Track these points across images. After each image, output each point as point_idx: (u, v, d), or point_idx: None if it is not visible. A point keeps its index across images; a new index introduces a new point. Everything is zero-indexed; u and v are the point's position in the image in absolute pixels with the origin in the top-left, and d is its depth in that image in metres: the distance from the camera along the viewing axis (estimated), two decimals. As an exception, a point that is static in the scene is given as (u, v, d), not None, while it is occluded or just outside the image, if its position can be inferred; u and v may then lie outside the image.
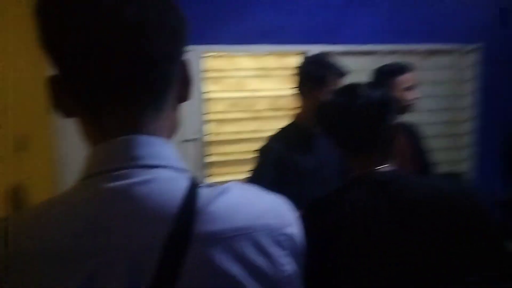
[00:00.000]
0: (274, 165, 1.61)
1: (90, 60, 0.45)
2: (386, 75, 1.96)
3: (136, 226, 0.43)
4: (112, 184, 0.44)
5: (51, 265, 0.42)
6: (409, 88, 1.93)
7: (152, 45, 0.46)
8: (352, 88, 1.00)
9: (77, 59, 0.45)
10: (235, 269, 0.44)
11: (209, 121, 2.38)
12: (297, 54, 2.52)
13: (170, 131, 0.53)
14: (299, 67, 1.76)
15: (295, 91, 1.76)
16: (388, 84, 1.93)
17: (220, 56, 2.38)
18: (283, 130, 1.78)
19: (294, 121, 1.79)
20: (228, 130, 2.44)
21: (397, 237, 0.89)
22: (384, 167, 0.96)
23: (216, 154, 2.41)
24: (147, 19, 0.46)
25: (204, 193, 0.46)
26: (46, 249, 0.42)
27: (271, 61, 2.51)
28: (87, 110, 0.48)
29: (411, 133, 2.12)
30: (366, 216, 0.92)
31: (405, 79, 1.93)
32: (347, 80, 1.75)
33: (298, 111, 1.78)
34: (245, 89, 2.44)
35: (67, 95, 0.48)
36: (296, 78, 1.74)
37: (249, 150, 2.31)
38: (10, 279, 0.42)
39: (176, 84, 0.52)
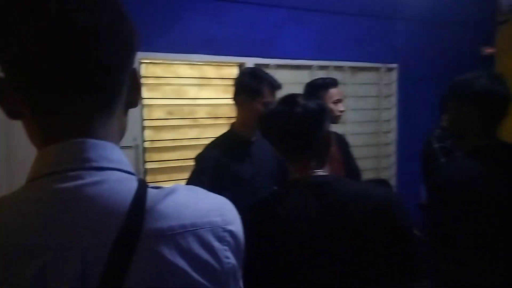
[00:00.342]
0: (212, 172, 1.65)
1: (39, 67, 0.45)
2: (317, 88, 2.13)
3: (87, 224, 0.44)
4: (64, 185, 0.45)
5: (3, 260, 0.42)
6: (337, 101, 2.11)
7: (104, 52, 0.47)
8: (292, 98, 1.07)
9: (26, 65, 0.46)
10: (182, 262, 0.46)
11: (147, 127, 2.37)
12: (235, 65, 2.62)
13: (119, 135, 0.55)
14: (236, 78, 1.84)
15: (232, 101, 1.84)
16: (319, 97, 2.10)
17: (159, 63, 2.40)
18: (221, 138, 1.83)
19: (231, 129, 1.85)
20: (167, 137, 2.44)
21: (326, 235, 0.97)
22: (318, 172, 1.05)
23: (154, 161, 2.40)
24: (100, 26, 0.47)
25: (152, 194, 0.48)
26: None
27: (210, 71, 2.57)
28: (37, 112, 0.48)
29: (340, 142, 2.30)
30: (299, 216, 0.99)
31: (334, 92, 2.11)
32: (281, 92, 1.88)
33: (235, 120, 1.86)
34: (184, 97, 2.47)
35: (15, 96, 0.48)
36: (233, 89, 1.82)
37: (187, 157, 2.34)
38: None
39: (126, 90, 0.54)
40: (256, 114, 1.68)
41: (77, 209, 0.45)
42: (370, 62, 3.10)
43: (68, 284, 0.42)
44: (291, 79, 2.75)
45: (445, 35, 3.39)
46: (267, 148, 1.90)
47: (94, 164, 0.47)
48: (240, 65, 2.61)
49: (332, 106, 2.10)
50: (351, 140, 2.96)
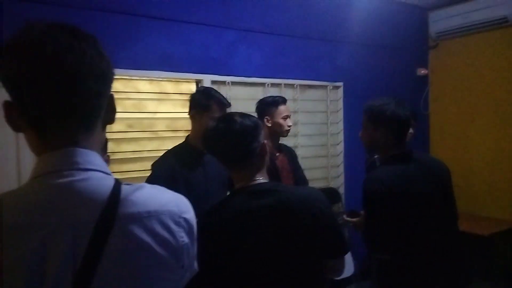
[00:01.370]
0: (166, 178, 1.77)
1: (38, 95, 0.59)
2: (268, 105, 2.34)
3: (77, 208, 0.59)
4: (59, 180, 0.60)
5: (8, 235, 0.55)
6: (286, 117, 2.33)
7: (86, 85, 0.62)
8: (229, 116, 1.24)
9: (28, 94, 0.60)
10: (148, 239, 0.61)
11: (109, 140, 2.45)
12: (193, 81, 2.78)
13: (99, 145, 0.69)
14: (191, 95, 2.00)
15: (188, 115, 1.99)
16: (269, 113, 2.32)
17: (119, 79, 2.51)
18: (176, 148, 1.99)
19: (186, 141, 2.01)
20: (127, 149, 2.53)
21: (268, 232, 1.14)
22: (259, 180, 1.22)
23: (115, 172, 2.48)
24: (83, 65, 0.61)
25: (125, 188, 0.64)
26: (6, 223, 0.56)
27: (168, 86, 2.71)
28: (35, 129, 0.62)
29: (289, 154, 2.51)
30: (242, 219, 1.16)
31: (283, 109, 2.33)
32: (236, 107, 2.06)
33: (190, 132, 2.02)
34: (143, 111, 2.58)
35: (19, 116, 0.62)
36: (188, 104, 1.98)
37: (147, 168, 2.43)
38: None
39: (104, 111, 0.68)
40: (204, 128, 1.86)
41: (69, 197, 0.59)
42: (318, 80, 3.37)
43: (63, 252, 0.56)
44: (246, 95, 2.96)
45: (384, 58, 3.77)
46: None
47: (82, 166, 0.62)
48: (197, 82, 2.78)
49: (281, 121, 2.31)
50: (302, 152, 3.22)
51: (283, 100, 2.37)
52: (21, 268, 0.54)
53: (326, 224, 1.19)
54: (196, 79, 2.76)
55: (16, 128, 0.64)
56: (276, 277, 1.14)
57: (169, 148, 2.01)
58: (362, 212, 1.79)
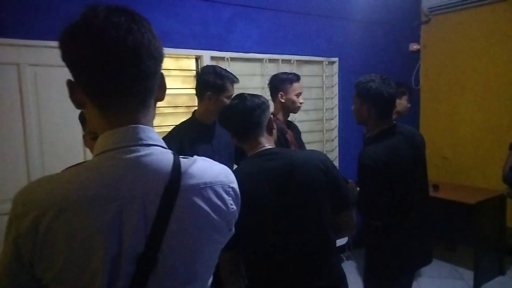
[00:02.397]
0: (179, 149, 1.85)
1: (102, 75, 0.64)
2: (282, 81, 2.37)
3: (145, 181, 0.65)
4: (128, 155, 0.65)
5: (88, 207, 0.61)
6: (299, 94, 2.38)
7: (144, 64, 0.65)
8: (242, 95, 1.41)
9: (93, 74, 0.64)
10: (205, 206, 0.69)
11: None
12: (193, 57, 2.82)
13: (152, 122, 0.73)
14: (199, 77, 2.04)
15: (198, 96, 2.05)
16: (282, 89, 2.35)
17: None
18: (183, 124, 2.06)
19: (192, 117, 2.08)
20: (130, 125, 2.59)
21: (280, 189, 1.27)
22: (267, 146, 1.37)
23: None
24: (142, 46, 0.65)
25: (183, 161, 0.70)
26: (85, 196, 0.61)
27: (168, 63, 2.75)
28: (100, 107, 0.67)
29: (294, 130, 2.60)
30: (255, 179, 1.29)
31: (297, 86, 2.38)
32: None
33: (197, 109, 2.09)
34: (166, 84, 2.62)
35: (83, 94, 0.66)
36: (198, 86, 2.03)
37: (150, 143, 2.51)
38: (61, 220, 0.60)
39: (156, 89, 0.72)
40: (221, 106, 1.94)
41: (137, 171, 0.65)
42: (314, 55, 3.43)
43: (136, 220, 0.63)
44: (244, 70, 3.01)
45: (378, 33, 3.82)
46: (225, 134, 2.17)
47: (145, 142, 0.67)
48: (197, 58, 2.81)
49: (294, 98, 2.36)
50: (298, 126, 3.30)
51: (297, 78, 2.42)
52: (103, 235, 0.61)
53: (332, 177, 1.32)
54: (195, 55, 2.80)
55: (79, 105, 0.69)
56: (289, 232, 1.27)
57: (172, 125, 2.09)
58: (350, 180, 1.94)
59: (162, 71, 0.74)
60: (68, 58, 0.65)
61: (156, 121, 2.71)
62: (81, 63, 0.65)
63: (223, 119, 1.46)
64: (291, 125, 2.59)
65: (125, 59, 0.64)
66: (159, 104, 2.65)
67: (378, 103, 1.77)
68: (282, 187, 1.28)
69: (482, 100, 3.77)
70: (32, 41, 2.12)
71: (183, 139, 1.94)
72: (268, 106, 1.41)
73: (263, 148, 1.36)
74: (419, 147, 1.88)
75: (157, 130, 2.49)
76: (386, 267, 1.79)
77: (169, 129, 2.67)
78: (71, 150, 2.23)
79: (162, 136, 1.94)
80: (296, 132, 2.61)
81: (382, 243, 1.80)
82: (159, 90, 0.74)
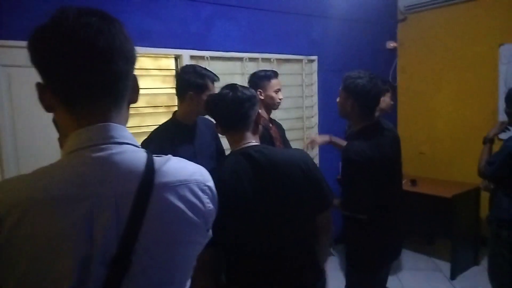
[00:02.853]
0: (159, 152, 1.85)
1: (74, 77, 0.63)
2: (261, 78, 2.40)
3: (117, 180, 0.63)
4: (99, 154, 0.63)
5: (56, 207, 0.59)
6: (277, 90, 2.41)
7: (115, 65, 0.65)
8: (233, 86, 1.39)
9: (63, 76, 0.63)
10: (181, 204, 0.67)
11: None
12: (172, 56, 2.79)
13: (125, 122, 0.72)
14: (179, 77, 2.02)
15: (178, 97, 2.02)
16: (261, 86, 2.38)
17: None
18: (164, 125, 2.04)
19: (173, 117, 2.06)
20: (108, 126, 2.54)
21: (261, 187, 1.27)
22: (251, 142, 1.36)
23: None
24: (113, 46, 0.64)
25: (157, 160, 0.69)
26: (52, 196, 0.59)
27: (147, 62, 2.72)
28: (70, 108, 0.66)
29: (279, 128, 2.61)
30: (238, 176, 1.28)
31: (275, 83, 2.41)
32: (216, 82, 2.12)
33: (178, 110, 2.07)
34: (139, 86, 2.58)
35: (52, 97, 0.65)
36: (178, 86, 2.01)
37: (130, 144, 2.48)
38: (25, 222, 0.57)
39: (129, 90, 0.71)
40: (203, 105, 1.92)
41: (109, 170, 0.63)
42: (294, 54, 3.45)
43: (107, 220, 0.60)
44: (224, 69, 3.00)
45: (356, 31, 3.88)
46: (206, 133, 2.16)
47: (117, 140, 0.66)
48: (176, 57, 2.79)
49: (273, 94, 2.40)
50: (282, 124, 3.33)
51: (275, 74, 2.45)
52: (72, 236, 0.58)
53: (313, 177, 1.33)
54: (175, 54, 2.77)
55: (48, 108, 0.68)
56: (269, 230, 1.27)
57: (155, 126, 2.06)
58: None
59: (135, 73, 0.72)
60: (37, 61, 0.64)
61: (136, 121, 2.71)
62: (50, 65, 0.63)
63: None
64: (275, 122, 2.61)
65: (95, 60, 0.63)
66: (138, 104, 2.60)
67: (363, 100, 1.80)
68: (263, 185, 1.28)
69: (457, 96, 3.88)
70: (6, 41, 2.05)
71: (164, 141, 1.92)
72: (257, 101, 1.40)
73: (248, 144, 1.35)
74: (398, 143, 1.94)
75: (136, 130, 2.47)
76: (368, 260, 1.83)
77: (148, 129, 2.65)
78: (46, 152, 2.17)
79: (141, 140, 1.98)
80: (280, 129, 2.63)
81: (365, 237, 1.83)
82: (132, 92, 0.73)
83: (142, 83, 2.46)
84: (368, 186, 1.73)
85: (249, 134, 1.37)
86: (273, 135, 2.46)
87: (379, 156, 1.75)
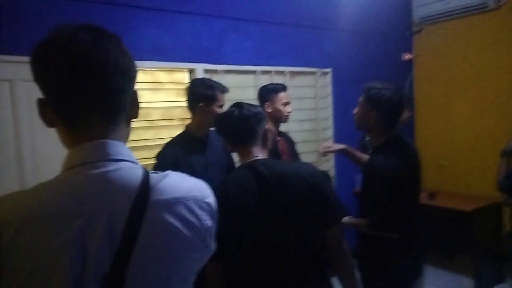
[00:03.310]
0: (170, 166, 1.87)
1: (68, 93, 0.64)
2: (269, 92, 2.42)
3: (111, 197, 0.63)
4: (94, 171, 0.64)
5: (51, 223, 0.59)
6: (286, 103, 2.41)
7: (111, 81, 0.65)
8: (240, 104, 1.44)
9: (58, 92, 0.64)
10: (176, 222, 0.66)
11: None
12: (186, 70, 2.84)
13: (125, 138, 0.73)
14: (189, 89, 2.07)
15: (189, 109, 2.07)
16: (270, 99, 2.40)
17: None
18: (178, 137, 2.08)
19: (186, 130, 2.10)
20: (124, 139, 2.59)
21: (267, 201, 1.26)
22: (259, 156, 1.37)
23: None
24: (108, 62, 0.64)
25: (153, 176, 0.68)
26: (47, 212, 0.60)
27: (162, 76, 2.77)
28: (67, 124, 0.67)
29: (288, 140, 2.61)
30: (243, 188, 1.28)
31: (283, 96, 2.41)
32: (229, 94, 2.15)
33: (189, 122, 2.11)
34: (138, 101, 2.64)
35: (51, 112, 0.66)
36: (189, 99, 2.05)
37: (144, 157, 2.52)
38: (21, 237, 0.58)
39: (128, 107, 0.71)
40: (214, 116, 1.98)
41: (104, 187, 0.63)
42: (307, 67, 3.45)
43: (100, 237, 0.60)
44: (237, 83, 3.03)
45: (370, 43, 3.87)
46: (218, 146, 2.18)
47: (113, 157, 0.66)
48: (190, 71, 2.83)
49: (281, 107, 2.40)
50: (293, 137, 3.31)
51: (283, 87, 2.45)
52: (65, 253, 0.58)
53: (319, 192, 1.31)
54: (189, 68, 2.81)
55: (49, 123, 0.69)
56: (273, 244, 1.26)
57: (170, 139, 2.10)
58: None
59: (136, 89, 0.73)
60: (36, 77, 0.65)
61: (151, 134, 2.75)
62: (46, 81, 0.64)
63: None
64: (284, 136, 2.60)
65: (90, 75, 0.64)
66: (153, 117, 2.65)
67: (388, 112, 1.74)
68: (267, 198, 1.27)
69: (476, 107, 3.79)
70: (25, 57, 2.12)
71: (177, 153, 1.94)
72: (264, 117, 1.44)
73: (254, 158, 1.36)
74: (418, 157, 1.86)
75: (151, 143, 2.51)
76: (396, 282, 1.72)
77: (163, 141, 2.67)
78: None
79: (156, 152, 2.00)
80: (290, 143, 2.61)
81: (394, 257, 1.71)
82: (132, 108, 0.73)
83: (156, 96, 2.56)
84: (399, 203, 1.65)
85: (256, 149, 1.39)
86: (280, 148, 2.45)
87: (406, 170, 1.68)
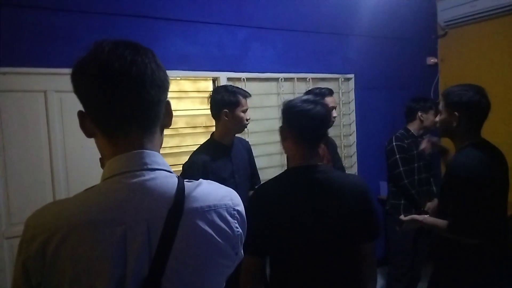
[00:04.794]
0: (200, 174, 1.90)
1: (110, 105, 0.67)
2: (318, 95, 2.34)
3: (149, 205, 0.66)
4: (133, 180, 0.67)
5: (94, 231, 0.63)
6: (332, 108, 2.39)
7: (148, 93, 0.68)
8: (315, 101, 1.36)
9: (100, 106, 0.68)
10: (209, 230, 0.69)
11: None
12: (210, 79, 2.89)
13: (159, 147, 0.76)
14: (212, 96, 2.11)
15: (214, 117, 2.10)
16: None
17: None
18: (204, 146, 2.12)
19: (211, 138, 2.14)
20: (150, 146, 2.66)
21: (314, 207, 1.27)
22: (314, 161, 1.35)
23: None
24: (146, 76, 0.68)
25: (188, 185, 0.71)
26: (91, 220, 0.63)
27: (186, 85, 2.83)
28: (107, 134, 0.70)
29: (331, 144, 2.60)
30: (295, 191, 1.30)
31: (330, 100, 2.41)
32: (252, 101, 2.18)
33: (215, 131, 2.15)
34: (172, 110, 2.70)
35: (92, 124, 0.70)
36: (213, 107, 2.09)
37: (171, 164, 2.58)
38: (67, 244, 0.62)
39: (162, 116, 0.74)
40: (239, 120, 2.04)
41: (142, 195, 0.67)
42: (329, 73, 3.45)
43: (140, 243, 0.64)
44: (260, 90, 3.07)
45: (394, 48, 3.83)
46: (243, 153, 2.21)
47: (150, 167, 0.69)
48: (214, 79, 2.89)
49: (329, 112, 2.40)
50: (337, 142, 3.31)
51: (330, 92, 2.47)
52: (107, 259, 0.62)
53: (367, 208, 1.32)
54: (212, 77, 2.87)
55: (88, 134, 0.73)
56: (312, 249, 1.27)
57: (194, 146, 2.14)
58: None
59: (175, 96, 0.76)
60: (78, 91, 0.69)
61: (176, 141, 2.82)
62: (88, 94, 0.68)
63: (289, 116, 1.36)
64: (327, 139, 2.59)
65: (129, 89, 0.67)
66: (178, 125, 2.71)
67: (470, 112, 1.67)
68: (315, 203, 1.28)
69: (504, 112, 3.67)
70: (57, 69, 2.23)
71: (206, 162, 1.98)
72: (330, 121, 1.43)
73: (311, 163, 1.33)
74: (505, 164, 1.77)
75: (176, 150, 2.57)
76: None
77: (188, 148, 2.74)
78: (94, 172, 2.30)
79: (182, 159, 2.04)
80: (332, 146, 2.61)
81: (473, 264, 1.63)
82: (166, 117, 0.76)
83: (181, 104, 2.61)
84: (481, 207, 1.57)
85: (316, 152, 1.37)
86: (321, 152, 2.45)
87: (490, 174, 1.60)
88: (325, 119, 1.34)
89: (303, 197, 1.28)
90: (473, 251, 1.61)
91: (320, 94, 2.40)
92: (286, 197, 1.29)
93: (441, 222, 1.67)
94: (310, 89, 2.51)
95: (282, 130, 1.39)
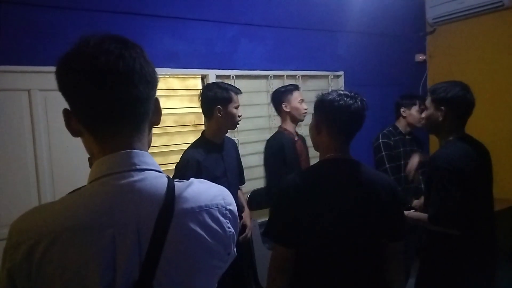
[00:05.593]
0: (193, 172, 1.90)
1: (96, 102, 0.64)
2: (283, 93, 2.47)
3: (138, 206, 0.64)
4: (121, 181, 0.65)
5: (83, 235, 0.60)
6: (301, 101, 2.47)
7: (137, 89, 0.65)
8: (355, 95, 1.36)
9: (85, 102, 0.64)
10: (201, 231, 0.67)
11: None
12: (198, 77, 2.86)
13: (148, 146, 0.73)
14: (203, 93, 2.09)
15: (206, 115, 2.09)
16: (285, 100, 2.45)
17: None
18: (196, 144, 2.09)
19: (202, 136, 2.12)
20: (138, 145, 2.62)
21: (351, 198, 1.28)
22: (348, 155, 1.37)
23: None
24: (134, 71, 0.65)
25: (178, 185, 0.69)
26: (79, 225, 0.61)
27: (175, 83, 2.79)
28: (94, 133, 0.67)
29: (303, 140, 2.61)
30: (332, 182, 1.30)
31: (297, 94, 2.48)
32: (242, 99, 2.16)
33: (206, 129, 2.13)
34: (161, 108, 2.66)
35: (78, 122, 0.67)
36: (204, 104, 2.07)
37: (159, 163, 2.53)
38: (54, 249, 0.59)
39: (152, 114, 0.72)
40: (232, 117, 2.03)
41: (131, 197, 0.65)
42: (319, 70, 3.44)
43: (130, 246, 0.62)
44: (250, 87, 3.04)
45: (383, 45, 3.83)
46: (232, 152, 2.20)
47: (138, 167, 0.67)
48: (203, 77, 2.85)
49: (298, 105, 2.44)
50: (306, 140, 3.30)
51: (296, 87, 2.53)
52: (97, 263, 0.60)
53: (397, 208, 1.34)
54: (201, 75, 2.83)
55: (75, 133, 0.70)
56: (348, 241, 1.28)
57: (180, 144, 2.12)
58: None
59: (163, 94, 0.74)
60: (62, 88, 0.66)
61: (164, 140, 2.78)
62: (73, 91, 0.65)
63: (329, 109, 1.35)
64: (301, 137, 2.60)
65: (116, 84, 0.64)
66: (166, 123, 2.68)
67: (455, 107, 1.72)
68: (355, 197, 1.28)
69: (492, 108, 3.72)
70: (42, 67, 2.17)
71: (199, 160, 1.97)
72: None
73: (343, 157, 1.34)
74: (488, 159, 1.82)
75: (164, 149, 2.55)
76: (454, 281, 1.67)
77: (176, 148, 2.71)
78: (80, 172, 2.26)
79: (171, 157, 2.02)
80: (306, 145, 2.61)
81: (455, 254, 1.67)
82: (154, 115, 0.73)
83: (170, 103, 2.59)
84: (460, 198, 1.59)
85: (349, 147, 1.38)
86: (298, 149, 2.45)
87: (470, 166, 1.64)
88: (364, 114, 1.35)
89: (340, 188, 1.29)
90: (457, 245, 1.65)
91: (287, 90, 2.47)
92: (323, 187, 1.29)
93: (423, 216, 1.71)
94: (277, 88, 2.56)
95: (317, 124, 1.39)
